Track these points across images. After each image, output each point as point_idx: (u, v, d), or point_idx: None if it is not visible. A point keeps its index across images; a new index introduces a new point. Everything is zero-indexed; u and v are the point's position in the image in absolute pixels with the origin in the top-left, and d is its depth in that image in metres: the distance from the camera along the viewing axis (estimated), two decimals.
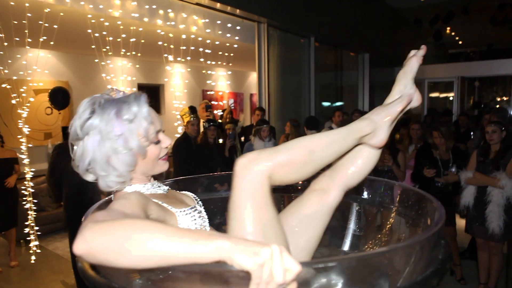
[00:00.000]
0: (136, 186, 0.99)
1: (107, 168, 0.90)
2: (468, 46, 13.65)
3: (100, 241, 0.60)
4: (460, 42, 12.43)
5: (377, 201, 1.34)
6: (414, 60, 1.08)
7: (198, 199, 1.16)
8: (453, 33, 11.07)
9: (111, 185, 0.93)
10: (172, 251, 0.58)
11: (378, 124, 1.00)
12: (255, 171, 0.86)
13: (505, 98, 13.57)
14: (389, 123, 1.01)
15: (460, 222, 4.09)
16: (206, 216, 1.09)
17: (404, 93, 1.06)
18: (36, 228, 4.04)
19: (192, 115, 4.00)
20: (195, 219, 0.99)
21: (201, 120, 4.85)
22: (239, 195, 0.87)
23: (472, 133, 5.32)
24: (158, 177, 1.11)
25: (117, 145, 0.88)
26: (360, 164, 1.06)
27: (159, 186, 1.05)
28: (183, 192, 1.17)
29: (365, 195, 1.36)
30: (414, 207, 1.17)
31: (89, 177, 0.94)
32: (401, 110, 1.02)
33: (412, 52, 1.10)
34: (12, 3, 3.50)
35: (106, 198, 1.08)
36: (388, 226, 1.26)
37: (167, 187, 1.09)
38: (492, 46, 12.51)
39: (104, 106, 0.90)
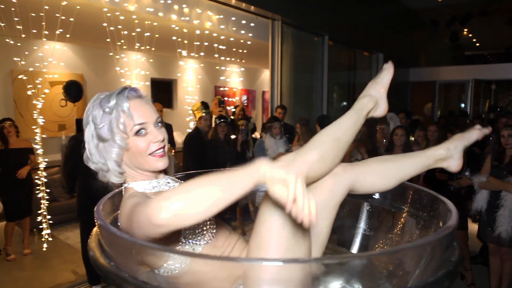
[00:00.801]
0: (140, 183, 1.00)
1: (99, 157, 0.98)
2: (486, 49, 13.40)
3: (178, 204, 0.71)
4: (477, 44, 12.20)
5: (388, 201, 1.33)
6: (475, 133, 1.15)
7: None
8: (470, 35, 10.87)
9: (108, 177, 1.01)
10: (234, 192, 0.72)
11: (377, 97, 1.12)
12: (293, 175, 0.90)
13: None
14: (385, 93, 1.14)
15: (472, 227, 4.03)
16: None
17: (450, 152, 1.13)
18: (48, 217, 4.11)
19: (204, 111, 4.02)
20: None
21: (213, 116, 4.87)
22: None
23: (491, 138, 5.22)
24: (169, 173, 1.11)
25: (101, 133, 0.95)
26: (375, 178, 1.10)
27: (168, 183, 1.05)
28: None
29: (377, 195, 1.35)
30: (426, 209, 1.16)
31: (91, 166, 1.02)
32: (390, 79, 1.16)
33: (478, 126, 1.17)
34: None
35: (117, 190, 1.09)
36: (399, 226, 1.24)
37: (178, 183, 1.09)
38: (510, 49, 12.25)
39: (102, 97, 0.98)
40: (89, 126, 0.98)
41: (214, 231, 0.98)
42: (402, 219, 1.24)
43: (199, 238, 0.93)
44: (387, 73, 1.17)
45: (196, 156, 3.86)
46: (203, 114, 4.00)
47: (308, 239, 0.91)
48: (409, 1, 8.48)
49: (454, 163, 1.14)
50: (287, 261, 0.76)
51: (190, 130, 4.28)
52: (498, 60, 12.76)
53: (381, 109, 1.13)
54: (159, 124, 1.01)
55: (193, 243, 0.92)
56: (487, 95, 12.74)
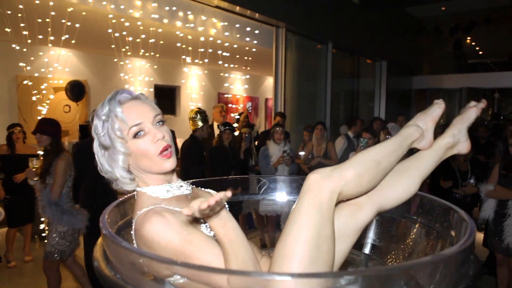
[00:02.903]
0: (152, 188, 0.98)
1: (108, 167, 0.97)
2: (489, 57, 13.40)
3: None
4: (481, 53, 12.22)
5: (398, 210, 1.30)
6: (473, 111, 1.13)
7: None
8: (473, 43, 10.88)
9: (120, 186, 0.99)
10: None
11: (424, 128, 1.11)
12: (327, 189, 0.91)
13: None
14: (433, 126, 1.12)
15: (478, 236, 3.98)
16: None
17: (456, 137, 1.12)
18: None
19: (199, 117, 3.86)
20: None
21: (215, 123, 4.85)
22: (307, 206, 0.90)
23: (501, 148, 5.18)
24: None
25: (103, 141, 0.95)
26: (399, 191, 1.08)
27: (181, 186, 1.03)
28: (207, 190, 1.16)
29: None
30: (439, 219, 1.13)
31: (105, 176, 1.00)
32: (441, 114, 1.14)
33: (473, 103, 1.15)
34: (37, 2, 3.57)
35: (123, 198, 1.07)
36: (411, 237, 1.21)
37: (191, 187, 1.07)
38: None
39: (99, 107, 0.98)
40: (95, 137, 0.99)
41: None
42: (414, 230, 1.21)
43: None
44: (438, 107, 1.15)
45: (194, 165, 3.79)
46: (200, 124, 3.86)
47: (332, 255, 0.90)
48: (413, 9, 8.51)
49: (463, 146, 1.13)
50: (303, 275, 0.73)
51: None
52: (501, 68, 12.76)
53: (426, 141, 1.11)
54: (160, 122, 0.98)
55: None
56: (490, 103, 12.71)
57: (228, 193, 0.74)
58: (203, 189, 1.16)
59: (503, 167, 3.14)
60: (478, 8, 7.99)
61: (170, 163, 0.96)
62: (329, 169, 0.95)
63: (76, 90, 3.56)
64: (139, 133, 0.94)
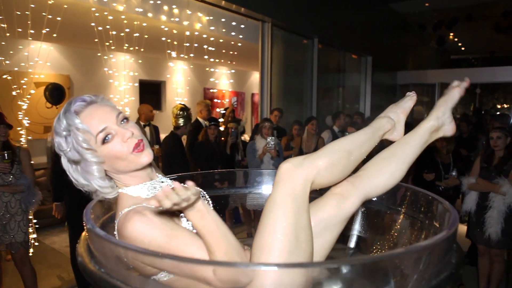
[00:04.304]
0: (134, 188, 0.96)
1: (83, 180, 0.95)
2: (471, 53, 13.66)
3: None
4: (463, 49, 12.44)
5: (383, 202, 1.31)
6: (456, 91, 1.12)
7: (203, 192, 1.11)
8: (456, 39, 11.07)
9: (100, 196, 0.97)
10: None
11: (395, 120, 1.12)
12: (300, 178, 0.91)
13: (505, 106, 13.58)
14: (404, 118, 1.14)
15: (461, 228, 4.08)
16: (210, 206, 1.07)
17: (441, 120, 1.11)
18: (34, 221, 4.00)
19: (180, 113, 3.81)
20: None
21: (200, 119, 4.81)
22: (281, 196, 0.90)
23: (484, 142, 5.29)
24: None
25: (71, 157, 0.92)
26: (385, 178, 1.07)
27: (162, 182, 1.01)
28: (191, 183, 1.14)
29: None
30: (423, 209, 1.14)
31: (82, 189, 0.98)
32: (411, 106, 1.16)
33: (456, 82, 1.13)
34: None
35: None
36: (395, 228, 1.23)
37: (170, 181, 1.05)
38: (494, 54, 12.51)
39: (55, 122, 0.94)
40: (61, 154, 0.94)
41: None
42: (398, 221, 1.22)
43: None
44: (410, 99, 1.17)
45: (182, 162, 3.76)
46: (182, 122, 3.82)
47: (310, 244, 0.89)
48: (397, 5, 8.60)
49: (448, 128, 1.12)
50: (289, 265, 0.73)
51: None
52: (482, 64, 13.03)
53: (397, 133, 1.13)
54: (124, 120, 0.95)
55: None
56: (472, 99, 12.97)
57: (190, 183, 0.75)
58: (188, 183, 1.14)
59: (484, 160, 3.21)
60: (461, 5, 8.13)
61: (146, 156, 0.94)
62: (301, 158, 0.95)
63: (55, 94, 3.50)
64: (107, 138, 0.91)
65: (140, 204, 0.90)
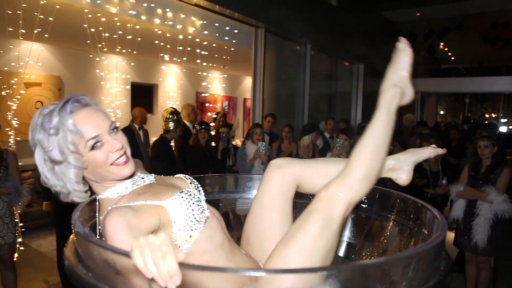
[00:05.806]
0: (113, 189, 0.95)
1: (57, 181, 0.90)
2: (460, 63, 13.88)
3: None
4: (453, 58, 12.63)
5: (373, 209, 1.32)
6: (427, 151, 1.15)
7: (191, 179, 1.10)
8: (446, 49, 11.23)
9: (70, 198, 0.93)
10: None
11: (401, 85, 1.03)
12: (343, 205, 0.94)
13: (493, 115, 13.80)
14: (408, 77, 1.05)
15: (449, 235, 4.11)
16: (203, 196, 1.06)
17: (399, 164, 1.13)
18: (20, 224, 3.93)
19: (173, 122, 3.79)
20: (187, 204, 0.92)
21: (186, 122, 4.78)
22: (319, 226, 0.92)
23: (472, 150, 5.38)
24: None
25: (53, 156, 0.87)
26: (318, 181, 1.09)
27: (142, 178, 1.00)
28: (177, 175, 1.12)
29: (362, 203, 1.34)
30: (412, 216, 1.15)
31: (51, 189, 0.93)
32: (409, 60, 1.08)
33: (434, 145, 1.18)
34: None
35: (93, 196, 1.05)
36: (385, 235, 1.24)
37: (153, 176, 1.04)
38: (482, 64, 12.73)
39: (44, 116, 0.89)
40: (37, 149, 0.89)
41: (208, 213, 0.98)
42: (388, 227, 1.23)
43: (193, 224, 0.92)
44: (404, 53, 1.08)
45: (170, 166, 3.73)
46: (172, 126, 3.78)
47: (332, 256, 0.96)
48: (389, 14, 8.71)
49: (402, 176, 1.11)
50: (275, 271, 0.73)
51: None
52: (471, 74, 13.23)
53: (408, 96, 1.04)
54: (114, 130, 0.93)
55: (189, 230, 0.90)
56: (461, 108, 13.16)
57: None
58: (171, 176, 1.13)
59: (472, 168, 3.26)
60: (451, 15, 8.27)
61: (129, 168, 0.93)
62: (338, 183, 0.93)
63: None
64: (96, 145, 0.89)
65: (118, 203, 0.90)
